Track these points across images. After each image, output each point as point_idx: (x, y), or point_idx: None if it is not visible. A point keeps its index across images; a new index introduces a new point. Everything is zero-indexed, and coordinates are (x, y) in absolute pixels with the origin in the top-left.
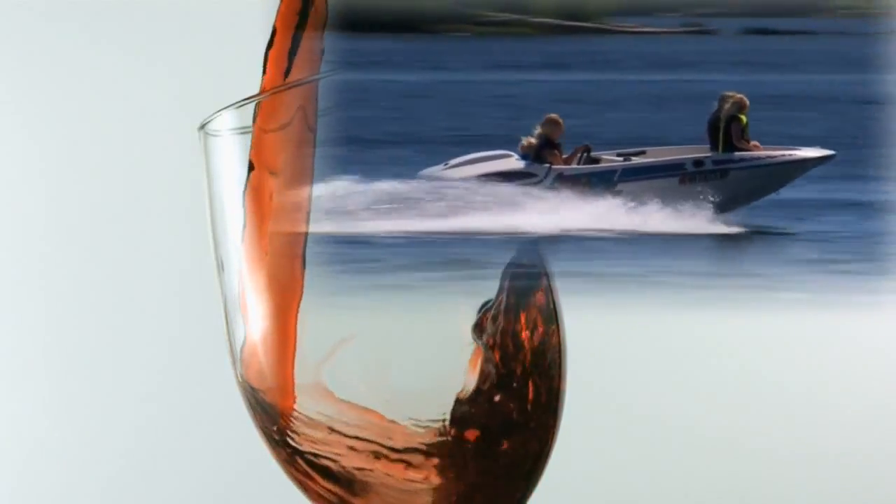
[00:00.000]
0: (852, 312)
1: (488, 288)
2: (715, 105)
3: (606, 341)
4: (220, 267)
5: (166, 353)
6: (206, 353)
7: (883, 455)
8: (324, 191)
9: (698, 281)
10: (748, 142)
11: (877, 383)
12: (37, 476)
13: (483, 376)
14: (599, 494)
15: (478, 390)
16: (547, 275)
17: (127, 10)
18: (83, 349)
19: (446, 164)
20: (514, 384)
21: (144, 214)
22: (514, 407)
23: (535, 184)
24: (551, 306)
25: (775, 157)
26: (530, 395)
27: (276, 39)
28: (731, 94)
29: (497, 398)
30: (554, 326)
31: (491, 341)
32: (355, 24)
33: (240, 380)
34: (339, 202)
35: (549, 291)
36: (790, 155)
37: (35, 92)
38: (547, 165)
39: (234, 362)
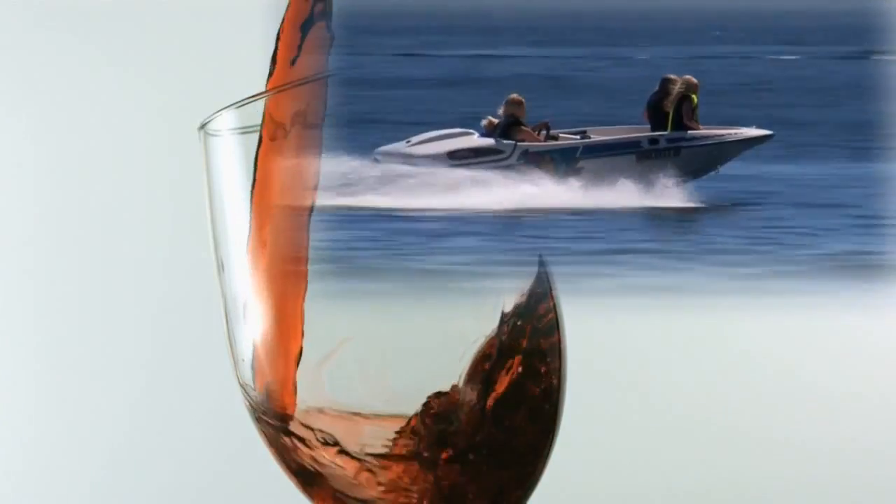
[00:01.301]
0: (852, 308)
1: (489, 288)
2: (656, 87)
3: (607, 340)
4: (221, 267)
5: (166, 353)
6: (206, 354)
7: (883, 452)
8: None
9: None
10: (696, 122)
11: (880, 380)
12: (34, 477)
13: (483, 379)
14: (600, 494)
15: (478, 391)
16: (548, 278)
17: (127, 10)
18: (82, 349)
19: (409, 142)
20: (514, 386)
21: (144, 214)
22: (513, 408)
23: (503, 160)
24: (552, 309)
25: (723, 135)
26: (529, 397)
27: (286, 25)
28: (674, 76)
29: (497, 400)
30: (554, 330)
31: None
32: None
33: (240, 381)
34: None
35: (551, 294)
36: (735, 134)
37: (35, 92)
38: (513, 142)
39: (234, 363)
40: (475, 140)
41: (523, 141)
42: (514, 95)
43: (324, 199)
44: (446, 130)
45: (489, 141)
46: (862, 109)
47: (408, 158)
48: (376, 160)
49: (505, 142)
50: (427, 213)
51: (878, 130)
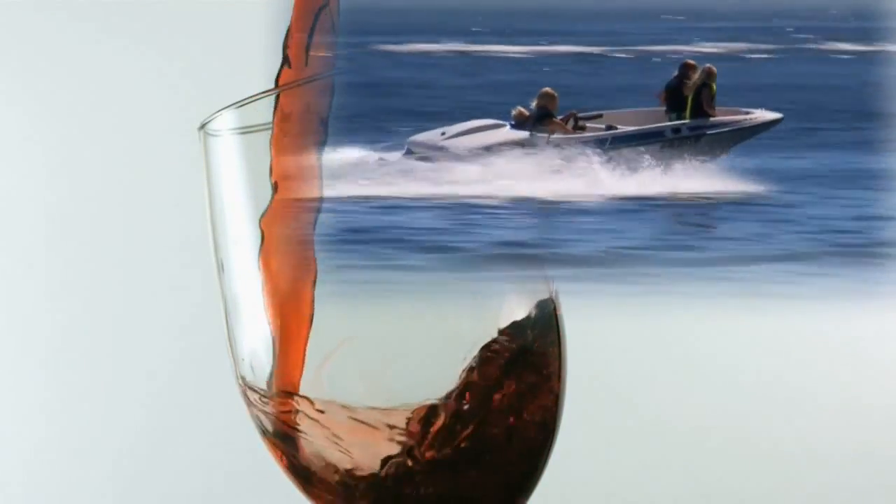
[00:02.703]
0: (852, 310)
1: (489, 288)
2: (675, 72)
3: (606, 340)
4: (220, 267)
5: (165, 353)
6: (206, 354)
7: (883, 453)
8: (335, 157)
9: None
10: (714, 108)
11: (877, 381)
12: (38, 475)
13: (482, 380)
14: (600, 494)
15: (479, 395)
16: (549, 281)
17: (127, 11)
18: (82, 349)
19: (444, 133)
20: (513, 388)
21: (144, 214)
22: (512, 410)
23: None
24: (552, 312)
25: (740, 121)
26: (530, 399)
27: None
28: (692, 62)
29: (497, 402)
30: (554, 331)
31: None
32: None
33: (240, 380)
34: (355, 168)
35: (551, 298)
36: (751, 119)
37: (35, 92)
38: (546, 135)
39: (234, 362)
40: (510, 133)
41: (555, 133)
42: (548, 89)
43: (355, 190)
44: (479, 122)
45: (524, 134)
46: (866, 101)
47: (444, 151)
48: (410, 151)
49: (539, 134)
50: (455, 201)
51: (882, 122)
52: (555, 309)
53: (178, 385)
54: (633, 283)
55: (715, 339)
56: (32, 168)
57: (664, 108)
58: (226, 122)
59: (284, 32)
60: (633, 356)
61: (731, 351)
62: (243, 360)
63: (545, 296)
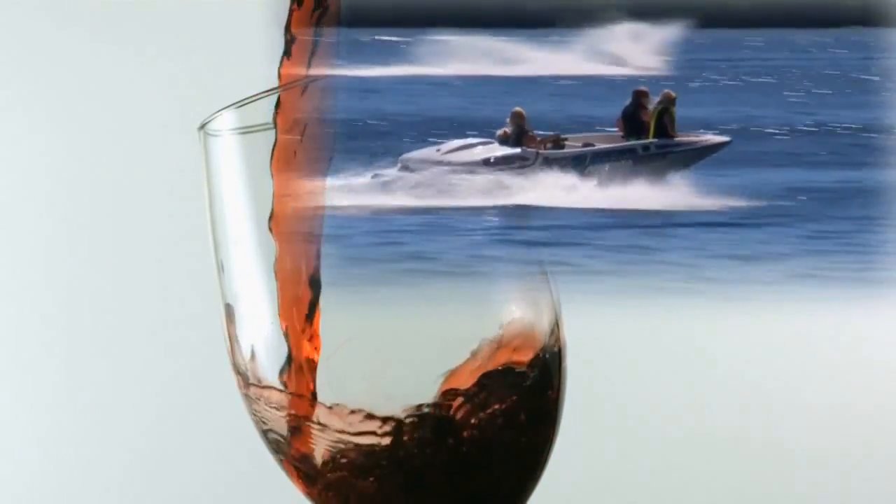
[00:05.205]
0: (850, 311)
1: (488, 288)
2: (629, 98)
3: (606, 341)
4: (220, 268)
5: (165, 354)
6: (206, 355)
7: (881, 454)
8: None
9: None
10: (675, 130)
11: (876, 382)
12: (39, 477)
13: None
14: (600, 494)
15: (479, 395)
16: (547, 278)
17: (128, 11)
18: (82, 350)
19: (439, 150)
20: (513, 388)
21: (144, 215)
22: (512, 408)
23: (528, 166)
24: (552, 313)
25: (698, 142)
26: (529, 399)
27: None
28: (644, 89)
29: (496, 400)
30: (555, 335)
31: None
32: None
33: (240, 381)
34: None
35: (551, 299)
36: (706, 140)
37: (35, 92)
38: (534, 150)
39: (233, 363)
40: (503, 148)
41: (537, 148)
42: (518, 109)
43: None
44: (470, 140)
45: (516, 149)
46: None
47: (443, 166)
48: (407, 167)
49: (529, 150)
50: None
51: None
52: (555, 310)
53: (178, 385)
54: (633, 283)
55: (715, 340)
56: (31, 168)
57: (621, 134)
58: (226, 122)
59: (285, 22)
60: (633, 356)
61: (732, 352)
62: (243, 360)
63: (546, 296)
